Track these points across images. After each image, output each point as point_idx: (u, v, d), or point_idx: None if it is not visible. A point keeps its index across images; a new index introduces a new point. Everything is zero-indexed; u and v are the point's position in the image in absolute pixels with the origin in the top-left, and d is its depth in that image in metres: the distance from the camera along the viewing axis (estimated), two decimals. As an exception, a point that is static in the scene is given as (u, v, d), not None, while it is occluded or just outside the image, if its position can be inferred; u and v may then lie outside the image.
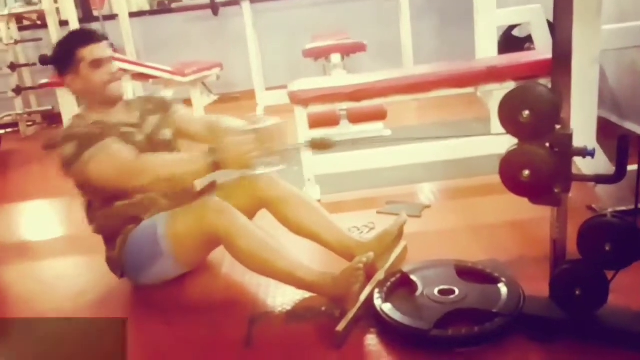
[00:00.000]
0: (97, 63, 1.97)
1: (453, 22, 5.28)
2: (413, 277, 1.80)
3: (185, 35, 5.58)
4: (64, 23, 4.89)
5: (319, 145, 1.86)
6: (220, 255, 2.08)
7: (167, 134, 2.13)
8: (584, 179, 1.54)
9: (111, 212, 2.00)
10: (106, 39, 2.03)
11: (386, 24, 5.24)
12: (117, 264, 2.04)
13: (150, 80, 4.12)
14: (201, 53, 5.17)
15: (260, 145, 1.75)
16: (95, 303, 2.08)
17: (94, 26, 5.29)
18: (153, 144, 2.05)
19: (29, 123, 5.27)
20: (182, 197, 2.03)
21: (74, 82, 2.00)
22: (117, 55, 3.85)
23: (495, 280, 1.74)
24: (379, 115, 3.61)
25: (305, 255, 1.97)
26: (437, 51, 5.35)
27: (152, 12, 5.94)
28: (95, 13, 5.55)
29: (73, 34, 2.08)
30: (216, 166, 1.78)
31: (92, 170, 1.86)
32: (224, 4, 5.05)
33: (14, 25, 5.26)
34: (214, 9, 5.02)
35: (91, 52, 1.97)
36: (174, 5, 5.81)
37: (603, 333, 1.48)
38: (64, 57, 1.98)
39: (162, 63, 4.13)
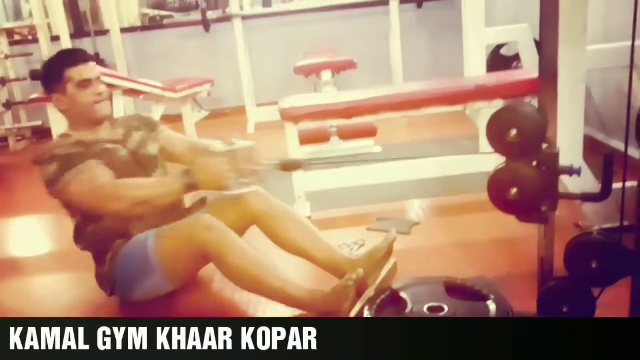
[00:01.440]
0: (85, 83, 1.99)
1: (443, 40, 5.34)
2: (402, 294, 1.80)
3: (177, 51, 5.60)
4: (55, 38, 4.90)
5: (289, 166, 1.95)
6: (210, 272, 2.07)
7: (152, 149, 2.14)
8: (571, 197, 1.57)
9: (99, 229, 2.01)
10: (94, 59, 2.06)
11: (377, 41, 5.30)
12: (107, 281, 2.04)
13: (141, 96, 4.12)
14: (192, 69, 5.18)
15: (234, 166, 1.81)
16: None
17: (86, 42, 5.35)
18: (137, 160, 2.07)
19: (19, 138, 5.25)
20: (170, 213, 2.04)
21: (61, 101, 2.02)
22: (108, 71, 3.88)
23: (484, 298, 1.75)
24: (369, 132, 3.64)
25: (295, 272, 1.97)
26: (427, 68, 5.40)
27: (143, 28, 5.97)
28: (87, 28, 5.57)
29: (62, 53, 2.10)
30: (192, 187, 1.83)
31: (70, 192, 1.89)
32: (216, 21, 5.08)
33: (4, 40, 5.26)
34: (206, 25, 5.05)
35: (79, 72, 1.98)
36: (165, 22, 5.84)
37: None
38: (52, 76, 2.00)
39: (153, 79, 4.14)
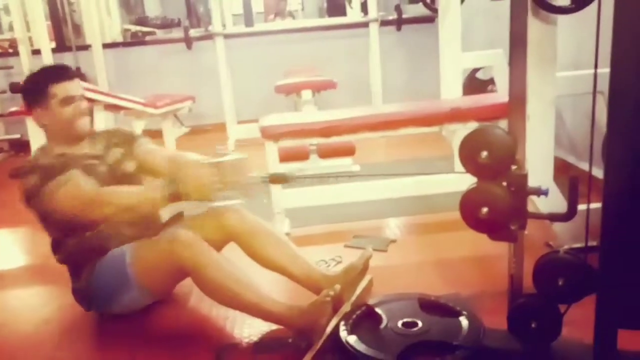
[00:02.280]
0: (68, 100, 2.00)
1: (421, 62, 5.46)
2: (378, 310, 1.85)
3: (158, 67, 5.63)
4: (36, 52, 4.90)
5: (277, 179, 1.94)
6: (187, 287, 2.09)
7: (129, 166, 2.16)
8: (539, 216, 1.63)
9: (76, 243, 2.01)
10: (79, 75, 2.06)
11: (357, 62, 5.39)
12: (84, 295, 2.04)
13: (122, 112, 4.13)
14: (174, 86, 5.21)
15: (221, 178, 1.81)
16: (59, 333, 2.07)
17: (67, 56, 5.34)
18: (116, 176, 2.09)
19: (-4, 150, 5.21)
20: (146, 227, 2.06)
21: (42, 116, 2.02)
22: (89, 85, 3.89)
23: (457, 314, 1.80)
24: (347, 151, 3.69)
25: (272, 288, 2.01)
26: (405, 89, 5.50)
27: (125, 44, 5.99)
28: (68, 43, 5.57)
29: (47, 69, 2.10)
30: (176, 197, 1.81)
31: (53, 201, 1.88)
32: (198, 39, 5.12)
33: (-16, 53, 5.25)
34: (188, 42, 5.10)
35: (64, 89, 2.00)
36: (147, 38, 5.87)
37: (557, 364, 1.55)
38: (35, 91, 2.01)
39: (135, 95, 4.16)
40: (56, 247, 2.07)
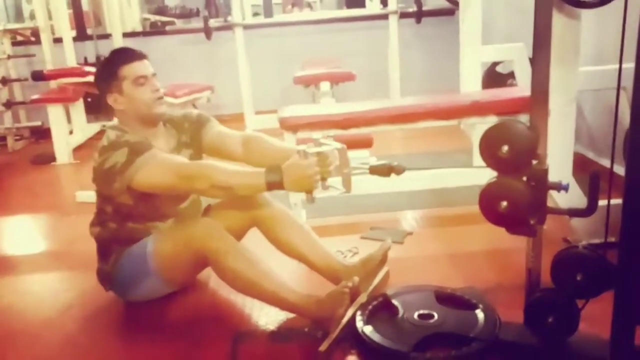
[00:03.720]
0: (141, 80, 1.97)
1: (440, 55, 5.43)
2: (394, 301, 1.86)
3: (178, 57, 5.66)
4: (57, 40, 4.96)
5: (380, 171, 1.84)
6: (206, 274, 2.12)
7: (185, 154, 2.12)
8: (559, 212, 1.62)
9: (115, 228, 2.04)
10: (146, 57, 2.02)
11: (375, 54, 5.37)
12: (107, 278, 2.08)
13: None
14: (193, 75, 5.24)
15: (323, 168, 1.77)
16: (82, 318, 2.11)
17: (88, 45, 5.40)
18: None
19: (17, 137, 5.28)
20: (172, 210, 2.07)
21: (118, 100, 1.98)
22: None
23: (473, 307, 1.81)
24: (365, 143, 3.68)
25: (291, 277, 2.02)
26: (424, 82, 5.49)
27: (145, 34, 6.02)
28: (89, 32, 5.62)
29: (115, 52, 2.07)
30: (276, 186, 1.76)
31: (145, 175, 1.84)
32: (217, 29, 5.14)
33: (7, 41, 5.31)
34: (207, 33, 5.11)
35: (134, 69, 1.96)
36: (167, 28, 5.90)
37: (574, 359, 1.55)
38: (107, 76, 1.98)
39: (154, 84, 4.19)
40: (98, 222, 2.07)
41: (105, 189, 1.96)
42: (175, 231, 1.99)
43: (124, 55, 2.01)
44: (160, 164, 1.86)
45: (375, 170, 1.82)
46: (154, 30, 6.21)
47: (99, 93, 2.03)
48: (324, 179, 1.79)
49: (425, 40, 5.66)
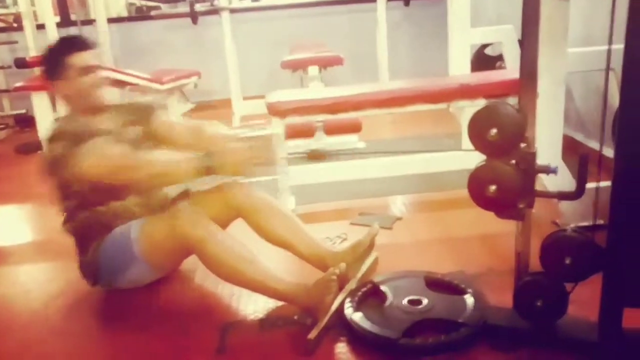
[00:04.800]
0: (86, 70, 2.00)
1: (429, 38, 5.40)
2: (383, 288, 1.85)
3: (164, 42, 5.60)
4: (40, 26, 4.87)
5: (316, 156, 1.89)
6: (193, 263, 2.09)
7: (149, 145, 2.13)
8: (547, 195, 1.61)
9: (86, 217, 2.02)
10: (95, 46, 2.06)
11: (364, 37, 5.33)
12: (90, 270, 2.05)
13: (128, 87, 4.12)
14: (179, 61, 5.19)
15: (257, 153, 1.79)
16: (68, 308, 2.09)
17: (72, 31, 5.31)
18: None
19: (2, 126, 5.21)
20: (155, 205, 2.06)
21: (63, 87, 2.03)
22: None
23: (462, 292, 1.80)
24: (354, 127, 3.67)
25: (278, 265, 2.01)
26: (413, 65, 5.46)
27: (130, 19, 5.94)
28: (73, 17, 5.53)
29: (64, 40, 2.10)
30: (210, 170, 1.78)
31: (86, 165, 1.84)
32: (203, 13, 5.07)
33: (-11, 27, 5.22)
34: (193, 17, 5.05)
35: (81, 59, 2.00)
36: (152, 13, 5.81)
37: (563, 342, 1.55)
38: (55, 63, 2.01)
39: (140, 70, 4.14)
40: (67, 218, 2.08)
41: (54, 179, 1.97)
42: (159, 219, 1.97)
43: (71, 44, 2.04)
44: (99, 155, 1.86)
45: (313, 156, 1.85)
46: (140, 15, 6.13)
47: (46, 78, 2.06)
48: (261, 164, 1.82)
49: (414, 23, 5.62)
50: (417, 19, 5.57)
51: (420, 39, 5.61)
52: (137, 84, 3.99)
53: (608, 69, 1.45)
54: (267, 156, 1.81)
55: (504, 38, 3.52)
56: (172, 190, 2.18)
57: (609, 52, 1.42)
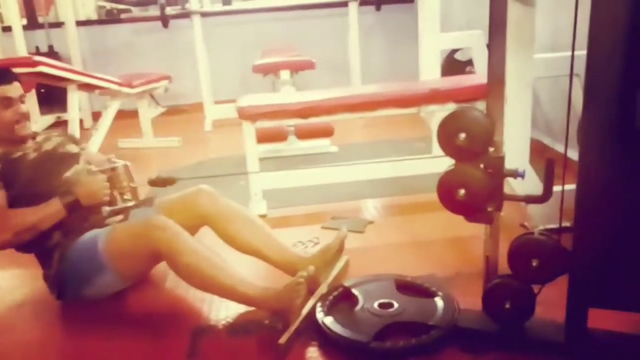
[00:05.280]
0: (6, 103, 2.02)
1: (400, 43, 5.44)
2: (354, 291, 1.85)
3: (134, 46, 5.53)
4: (6, 29, 4.78)
5: (159, 183, 2.03)
6: (163, 270, 2.07)
7: (72, 148, 2.18)
8: (515, 198, 1.63)
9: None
10: (17, 79, 2.07)
11: (336, 42, 5.35)
12: (55, 282, 2.01)
13: (97, 91, 4.05)
14: (150, 65, 5.12)
15: (113, 183, 2.02)
16: (32, 317, 2.04)
17: (39, 33, 5.22)
18: (55, 157, 2.11)
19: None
20: (90, 213, 2.04)
21: None
22: (62, 64, 3.81)
23: (433, 294, 1.81)
24: (325, 132, 3.68)
25: (249, 271, 2.00)
26: (385, 70, 5.49)
27: (100, 22, 5.85)
28: (41, 20, 5.44)
29: None
30: (74, 204, 1.95)
31: None
32: (174, 17, 5.04)
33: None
34: (164, 21, 5.00)
35: (2, 91, 2.01)
36: (122, 16, 5.75)
37: (531, 343, 1.57)
38: None
39: (110, 74, 4.08)
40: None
41: None
42: (128, 227, 1.95)
43: None
44: None
45: (153, 183, 2.04)
46: (110, 18, 6.04)
47: None
48: (121, 193, 2.08)
49: (386, 27, 5.66)
50: (388, 23, 5.61)
51: (392, 44, 5.64)
52: (107, 87, 3.92)
53: (572, 74, 1.48)
54: (120, 186, 2.05)
55: (473, 43, 3.57)
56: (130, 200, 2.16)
57: (572, 58, 1.45)
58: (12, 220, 1.91)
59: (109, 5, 6.38)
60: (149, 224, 1.86)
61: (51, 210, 1.94)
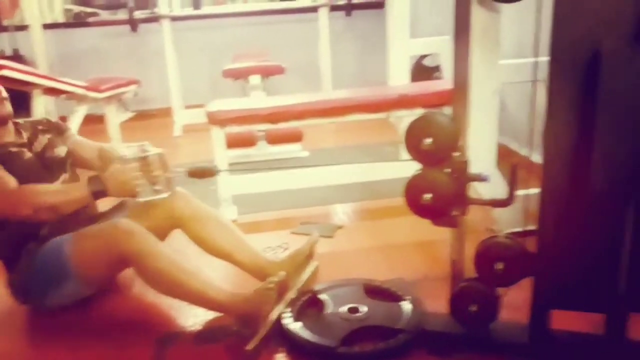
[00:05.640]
0: None
1: (370, 48, 5.47)
2: (322, 296, 1.85)
3: (103, 50, 5.45)
4: (-30, 32, 4.68)
5: (198, 174, 1.96)
6: (131, 276, 2.04)
7: (60, 151, 2.10)
8: (480, 202, 1.65)
9: (6, 234, 1.94)
10: None
11: (308, 47, 5.35)
12: (19, 288, 1.96)
13: (63, 96, 3.98)
14: (119, 69, 5.05)
15: (145, 173, 1.84)
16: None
17: (3, 37, 5.11)
18: (44, 162, 2.02)
19: None
20: (80, 215, 1.99)
21: None
22: (27, 68, 3.73)
23: (400, 299, 1.82)
24: (295, 137, 3.68)
25: (218, 276, 1.98)
26: (355, 75, 5.51)
27: (67, 25, 5.75)
28: (6, 22, 5.32)
29: None
30: (100, 194, 1.83)
31: None
32: (144, 20, 4.98)
33: None
34: (133, 24, 4.95)
35: None
36: (90, 19, 5.67)
37: (496, 345, 1.59)
38: None
39: (78, 78, 4.01)
40: None
41: None
42: (94, 232, 1.91)
43: None
44: None
45: (194, 173, 1.96)
46: (77, 21, 5.95)
47: None
48: (152, 183, 1.87)
49: (356, 33, 5.68)
50: (359, 29, 5.64)
51: (362, 49, 5.67)
52: (73, 92, 3.86)
53: (535, 80, 1.51)
54: (153, 176, 1.85)
55: (441, 49, 3.61)
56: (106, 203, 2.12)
57: (535, 64, 1.48)
58: (33, 197, 1.81)
59: (76, 9, 6.29)
60: (115, 228, 1.83)
61: (76, 195, 1.84)
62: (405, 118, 2.96)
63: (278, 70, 4.17)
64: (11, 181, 1.85)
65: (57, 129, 2.15)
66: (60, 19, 5.89)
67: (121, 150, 1.99)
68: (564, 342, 1.55)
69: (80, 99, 3.95)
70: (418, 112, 2.66)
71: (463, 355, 1.60)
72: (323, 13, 4.99)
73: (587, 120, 1.33)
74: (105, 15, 6.13)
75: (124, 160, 1.84)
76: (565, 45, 1.33)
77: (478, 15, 2.01)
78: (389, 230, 2.58)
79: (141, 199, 1.84)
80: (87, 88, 3.94)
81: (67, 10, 6.12)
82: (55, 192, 1.88)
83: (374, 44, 5.25)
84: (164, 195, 1.88)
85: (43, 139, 2.08)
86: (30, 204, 1.81)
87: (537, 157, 1.55)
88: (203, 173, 1.94)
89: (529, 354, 1.55)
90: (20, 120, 2.11)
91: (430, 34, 4.28)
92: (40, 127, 2.11)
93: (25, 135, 2.05)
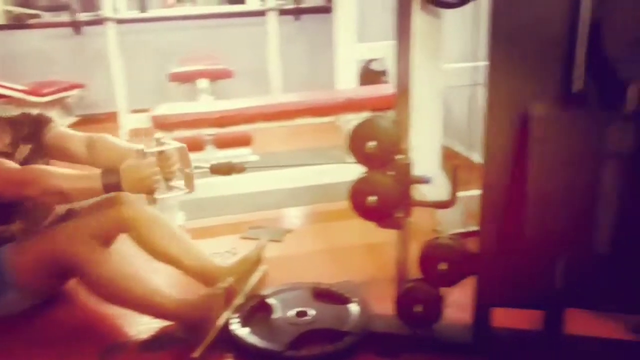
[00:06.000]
0: None
1: (319, 52, 5.49)
2: (271, 301, 1.85)
3: (45, 53, 5.28)
4: None
5: (224, 170, 1.85)
6: (73, 284, 1.99)
7: (40, 163, 1.97)
8: (423, 204, 1.68)
9: None
10: None
11: (257, 51, 5.32)
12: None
13: (1, 100, 3.84)
14: (62, 72, 4.92)
15: (164, 168, 1.73)
16: None
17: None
18: None
19: None
20: (35, 222, 1.94)
21: None
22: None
23: (347, 301, 1.83)
24: (244, 141, 3.66)
25: (164, 281, 1.95)
26: (305, 79, 5.51)
27: (7, 27, 5.56)
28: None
29: None
30: (113, 188, 1.70)
31: None
32: (87, 23, 4.86)
33: None
34: (75, 27, 4.82)
35: None
36: (31, 21, 5.49)
37: (440, 345, 1.62)
38: None
39: (19, 82, 3.88)
40: None
41: None
42: (35, 240, 1.85)
43: None
44: None
45: (216, 170, 1.84)
46: (17, 23, 5.75)
47: None
48: (168, 179, 1.78)
49: (305, 36, 5.70)
50: (307, 32, 5.66)
51: (312, 53, 5.69)
52: (11, 96, 3.73)
53: (475, 84, 1.54)
54: (170, 171, 1.76)
55: (388, 53, 3.65)
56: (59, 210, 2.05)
57: (474, 68, 1.51)
58: (43, 178, 1.70)
59: (17, 10, 6.08)
60: (57, 235, 1.78)
61: (88, 184, 1.71)
62: (352, 121, 2.98)
63: (226, 74, 4.15)
64: (12, 163, 1.76)
65: (37, 125, 2.01)
66: (0, 20, 5.70)
67: (117, 141, 1.90)
68: (505, 339, 1.59)
69: (19, 103, 3.83)
70: (365, 115, 2.68)
71: (409, 356, 1.63)
72: (272, 17, 4.98)
73: (525, 122, 1.38)
74: (48, 17, 5.96)
75: (140, 154, 1.70)
76: (502, 49, 1.36)
77: (420, 20, 2.04)
78: (337, 233, 2.59)
79: (157, 196, 1.73)
80: (26, 92, 3.83)
81: (7, 12, 5.92)
82: (68, 177, 1.72)
83: (322, 48, 5.27)
84: (182, 192, 1.79)
85: (24, 149, 1.95)
86: (39, 185, 1.69)
87: (477, 158, 1.58)
88: (229, 169, 1.82)
89: (472, 351, 1.59)
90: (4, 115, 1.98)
91: (378, 38, 4.33)
92: (23, 131, 1.98)
93: (6, 141, 1.94)
